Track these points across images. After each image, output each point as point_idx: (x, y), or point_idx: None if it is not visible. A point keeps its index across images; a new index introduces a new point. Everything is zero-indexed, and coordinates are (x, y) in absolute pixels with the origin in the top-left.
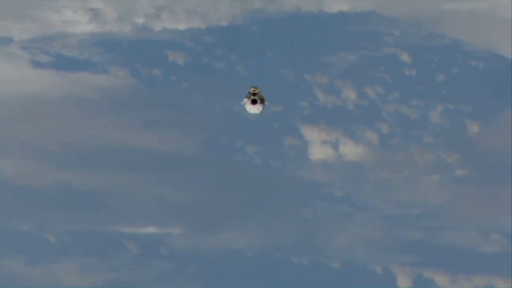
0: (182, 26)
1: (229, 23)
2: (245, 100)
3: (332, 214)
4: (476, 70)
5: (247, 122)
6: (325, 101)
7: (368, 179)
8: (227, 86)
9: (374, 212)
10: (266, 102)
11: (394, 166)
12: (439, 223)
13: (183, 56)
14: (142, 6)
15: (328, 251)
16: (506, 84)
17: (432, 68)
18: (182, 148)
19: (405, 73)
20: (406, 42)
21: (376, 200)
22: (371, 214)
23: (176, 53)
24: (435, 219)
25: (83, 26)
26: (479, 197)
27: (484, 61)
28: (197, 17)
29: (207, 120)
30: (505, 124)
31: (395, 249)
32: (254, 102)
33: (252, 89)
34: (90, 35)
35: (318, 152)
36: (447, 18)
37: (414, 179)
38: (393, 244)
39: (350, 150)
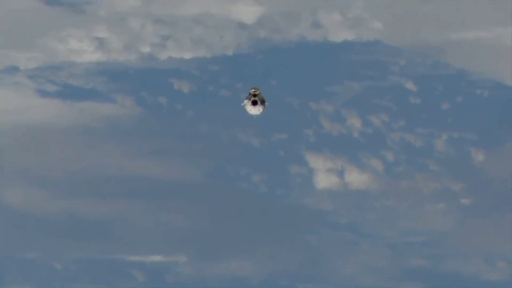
0: (187, 55)
1: (234, 52)
2: (246, 101)
3: (338, 242)
4: (481, 98)
5: (253, 150)
6: (330, 129)
7: (373, 207)
8: (232, 114)
9: (379, 240)
10: (266, 103)
11: (399, 194)
12: (444, 251)
13: (189, 84)
14: (147, 35)
15: (334, 279)
16: (511, 113)
17: (437, 97)
18: (188, 176)
19: (410, 102)
20: (411, 71)
21: (381, 228)
22: (376, 242)
23: (181, 81)
24: (440, 247)
25: (89, 55)
26: (484, 226)
27: (489, 90)
28: (203, 46)
29: (212, 148)
30: (510, 152)
31: (400, 276)
32: (254, 103)
33: (253, 90)
34: (96, 64)
35: (324, 180)
36: (452, 48)
37: (419, 207)
38: (398, 271)
39: (355, 178)
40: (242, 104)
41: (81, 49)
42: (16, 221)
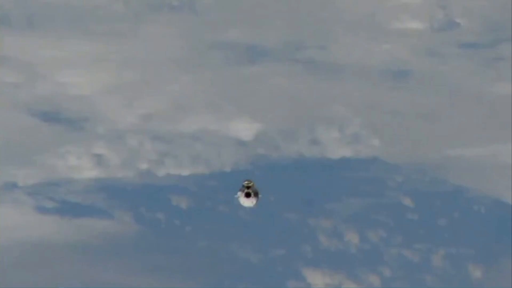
0: (185, 172)
1: (233, 168)
2: (239, 193)
3: None
4: (479, 214)
5: (251, 266)
6: (328, 244)
7: None
8: (230, 230)
9: None
10: (260, 196)
11: None
12: None
13: (187, 200)
14: (145, 152)
15: None
16: (509, 229)
17: (435, 212)
18: None
19: (408, 217)
20: (409, 187)
21: None
22: None
23: (179, 197)
24: None
25: (87, 171)
26: None
27: (486, 206)
28: (201, 163)
29: (211, 265)
30: (508, 268)
31: None
32: (248, 195)
33: (246, 182)
34: (94, 181)
35: None
36: (451, 165)
37: None
38: None
39: None
40: (235, 196)
41: (79, 165)
42: None
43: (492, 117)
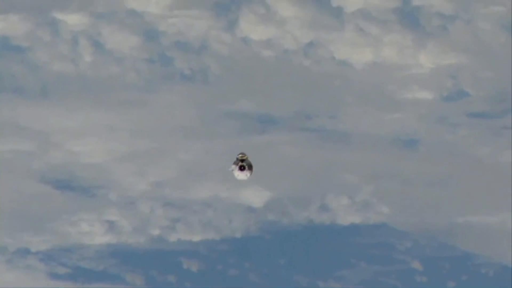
0: (196, 238)
1: (243, 234)
2: (233, 166)
3: None
4: (487, 277)
5: None
6: None
7: None
8: None
9: None
10: (254, 169)
11: None
12: None
13: (197, 263)
14: (157, 219)
15: None
16: None
17: (443, 275)
18: None
19: (417, 280)
20: (417, 252)
21: None
22: None
23: (190, 260)
24: None
25: (99, 238)
26: None
27: (494, 270)
28: (212, 229)
29: None
30: None
31: None
32: (242, 168)
33: (240, 155)
34: (106, 247)
35: None
36: (459, 231)
37: None
38: None
39: None
40: (229, 169)
41: (92, 232)
42: None
43: (499, 185)
